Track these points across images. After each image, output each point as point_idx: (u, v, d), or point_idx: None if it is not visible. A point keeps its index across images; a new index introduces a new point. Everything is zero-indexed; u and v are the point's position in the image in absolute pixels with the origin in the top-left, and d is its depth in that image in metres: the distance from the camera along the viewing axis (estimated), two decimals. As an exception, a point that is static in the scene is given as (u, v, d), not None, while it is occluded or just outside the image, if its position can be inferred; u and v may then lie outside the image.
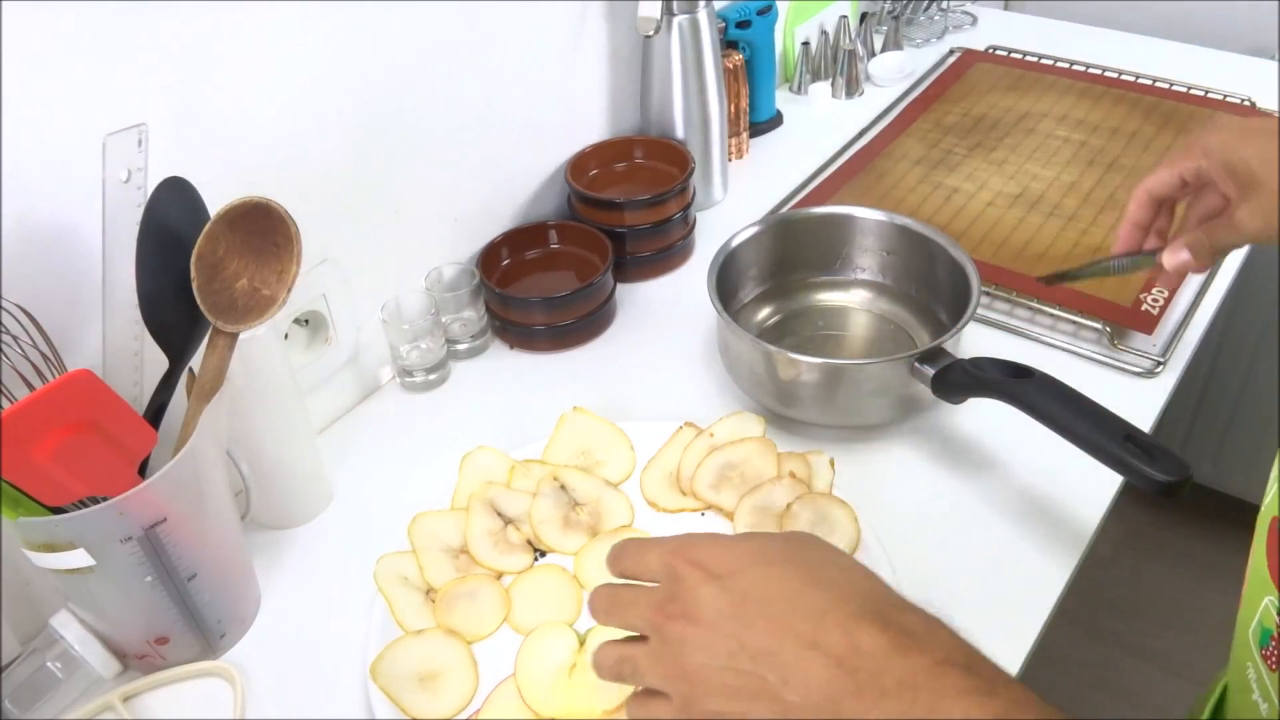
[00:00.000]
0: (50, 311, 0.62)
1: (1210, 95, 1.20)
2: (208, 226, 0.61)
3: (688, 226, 1.03)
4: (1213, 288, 0.94)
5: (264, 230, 0.62)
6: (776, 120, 1.24)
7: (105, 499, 0.58)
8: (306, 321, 0.84)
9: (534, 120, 0.98)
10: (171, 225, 0.61)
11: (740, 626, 0.42)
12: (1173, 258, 0.73)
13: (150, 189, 0.61)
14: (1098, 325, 0.89)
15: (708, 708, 0.43)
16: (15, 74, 0.58)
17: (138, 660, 0.67)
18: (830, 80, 1.29)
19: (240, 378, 0.67)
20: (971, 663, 0.40)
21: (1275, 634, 0.43)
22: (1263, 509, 0.46)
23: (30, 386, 0.60)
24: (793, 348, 0.84)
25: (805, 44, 1.29)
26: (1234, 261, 0.97)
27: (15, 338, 0.59)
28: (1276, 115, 0.76)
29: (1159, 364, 0.86)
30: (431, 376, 0.90)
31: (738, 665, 0.42)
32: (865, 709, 0.39)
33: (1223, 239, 0.71)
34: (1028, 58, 1.32)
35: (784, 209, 1.08)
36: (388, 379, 0.92)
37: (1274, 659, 0.44)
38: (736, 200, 1.12)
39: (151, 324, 0.62)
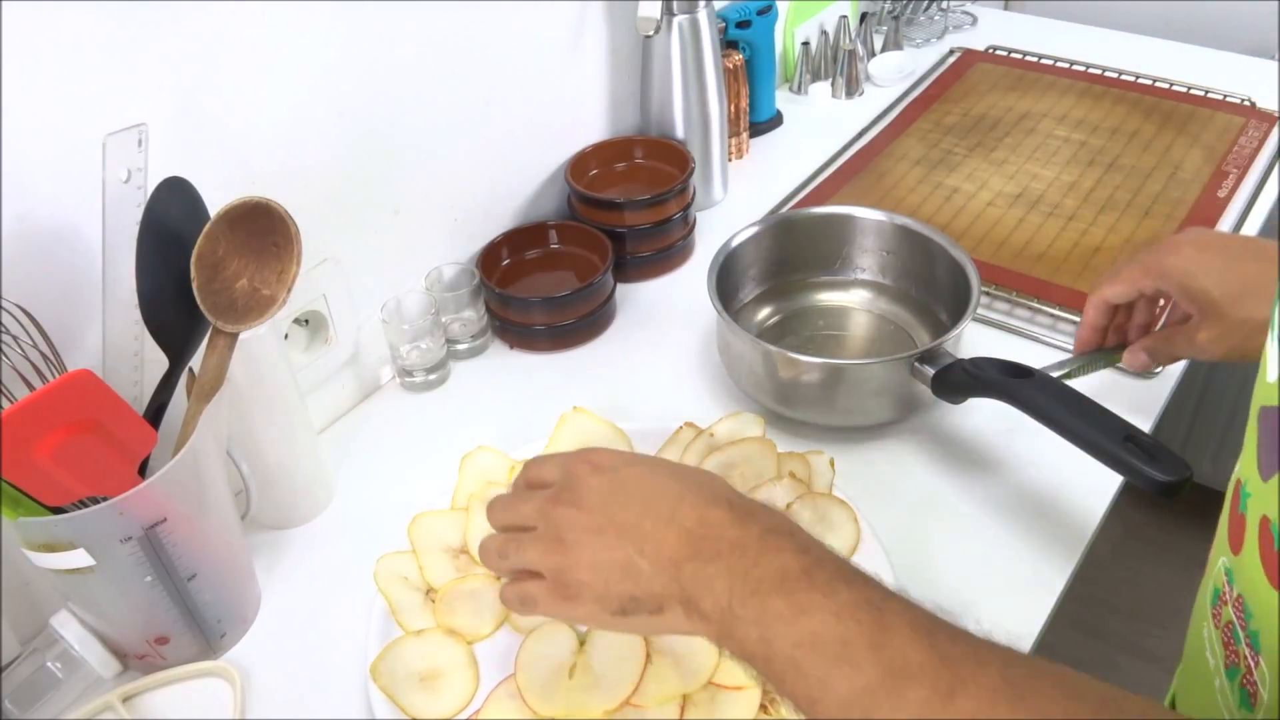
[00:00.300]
0: (50, 311, 0.62)
1: (1210, 95, 1.21)
2: (208, 226, 0.61)
3: (688, 226, 1.03)
4: (1213, 288, 0.94)
5: (264, 230, 0.62)
6: (776, 120, 1.24)
7: (105, 499, 0.58)
8: (306, 321, 0.84)
9: (534, 120, 0.98)
10: (171, 225, 0.61)
11: (615, 507, 0.51)
12: (1133, 359, 0.77)
13: (150, 189, 0.61)
14: (1098, 325, 0.89)
15: (576, 578, 0.51)
16: (15, 74, 0.58)
17: (138, 660, 0.67)
18: (830, 80, 1.29)
19: (240, 378, 0.67)
20: (794, 531, 0.49)
21: (1222, 592, 0.45)
22: (1234, 474, 0.47)
23: (30, 386, 0.60)
24: (793, 348, 0.84)
25: (805, 44, 1.29)
26: (1234, 261, 0.97)
27: (15, 338, 0.59)
28: (1235, 232, 0.76)
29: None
30: (431, 376, 0.90)
31: (606, 539, 0.51)
32: (702, 566, 0.48)
33: (1182, 352, 0.74)
34: (1028, 58, 1.32)
35: (784, 209, 1.08)
36: (388, 379, 0.92)
37: (1218, 616, 0.45)
38: (736, 200, 1.12)
39: (151, 324, 0.62)
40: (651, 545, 0.50)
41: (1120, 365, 0.79)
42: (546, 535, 0.53)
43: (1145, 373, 0.82)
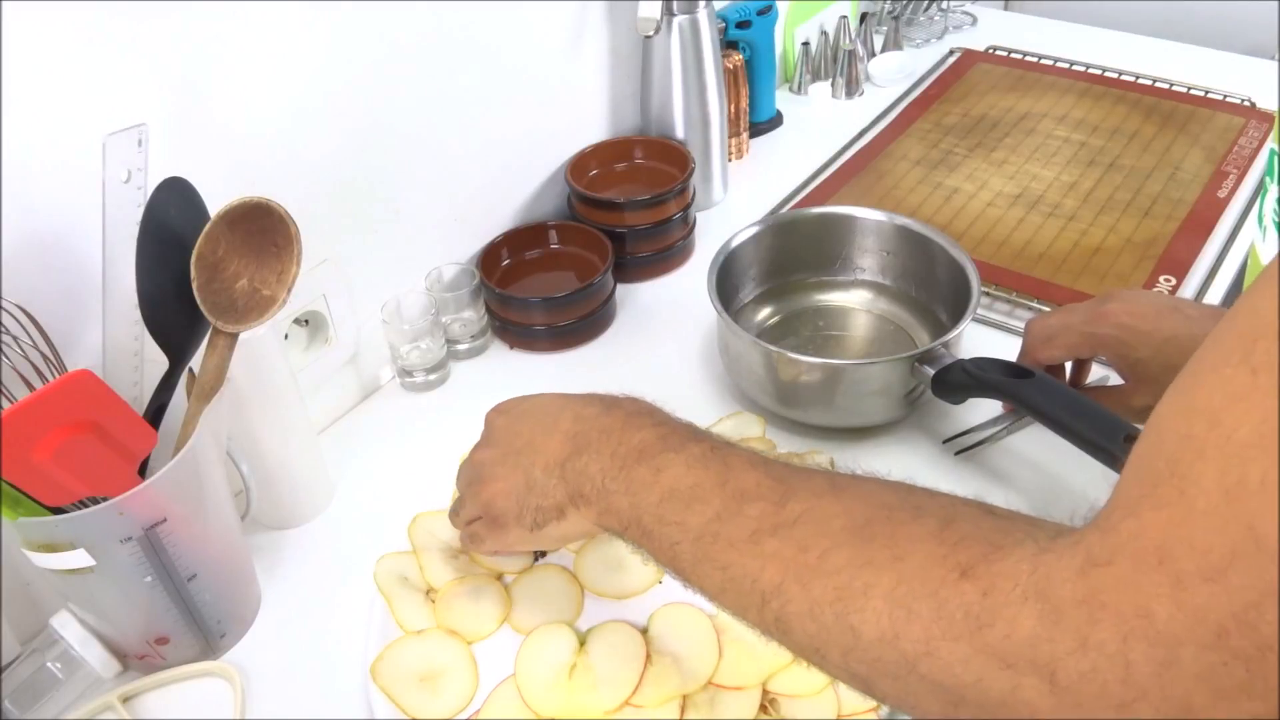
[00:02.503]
0: (50, 311, 0.62)
1: (1210, 95, 1.20)
2: (208, 226, 0.61)
3: (688, 227, 1.03)
4: (1212, 288, 0.94)
5: (264, 230, 0.62)
6: (776, 120, 1.24)
7: (105, 499, 0.58)
8: (306, 321, 0.84)
9: (534, 120, 0.98)
10: (171, 225, 0.61)
11: (512, 436, 0.62)
12: None
13: (150, 189, 0.61)
14: (1098, 325, 0.89)
15: (498, 507, 0.61)
16: (15, 74, 0.58)
17: (138, 660, 0.67)
18: (830, 80, 1.29)
19: (240, 378, 0.67)
20: (653, 411, 0.58)
21: None
22: None
23: (30, 386, 0.60)
24: (793, 348, 0.84)
25: (805, 44, 1.29)
26: (1234, 261, 0.97)
27: (15, 338, 0.59)
28: (1156, 291, 0.78)
29: None
30: (431, 376, 0.90)
31: (508, 465, 0.60)
32: (580, 459, 0.56)
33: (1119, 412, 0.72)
34: (1028, 58, 1.32)
35: (784, 209, 1.08)
36: (388, 379, 0.92)
37: None
38: (736, 200, 1.12)
39: (151, 324, 0.62)
40: (541, 457, 0.59)
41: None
42: (474, 480, 0.63)
43: None
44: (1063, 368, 0.78)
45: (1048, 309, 0.91)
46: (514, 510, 0.60)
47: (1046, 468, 0.78)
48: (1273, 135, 1.11)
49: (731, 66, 1.11)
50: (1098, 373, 0.80)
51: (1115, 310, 0.71)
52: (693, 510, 0.49)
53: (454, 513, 0.68)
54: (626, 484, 0.53)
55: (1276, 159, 0.47)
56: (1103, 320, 0.71)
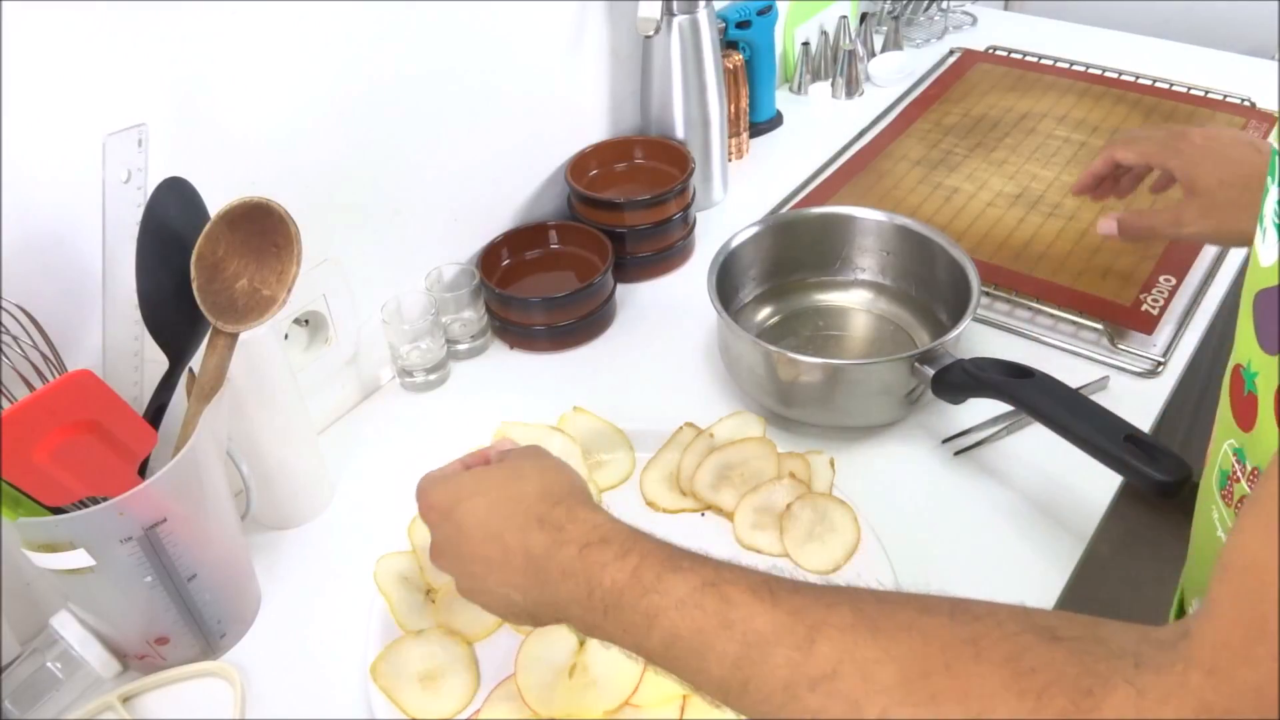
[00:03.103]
0: (50, 311, 0.62)
1: (1210, 95, 1.20)
2: (208, 226, 0.61)
3: (688, 227, 1.03)
4: (1212, 288, 0.94)
5: (264, 230, 0.62)
6: (776, 120, 1.24)
7: (105, 499, 0.58)
8: (306, 321, 0.84)
9: (534, 120, 0.98)
10: (171, 225, 0.61)
11: (464, 554, 0.55)
12: (1104, 224, 0.85)
13: (150, 189, 0.61)
14: (1098, 325, 0.89)
15: (482, 602, 0.56)
16: (15, 74, 0.58)
17: (138, 660, 0.67)
18: (830, 80, 1.29)
19: (240, 378, 0.67)
20: (607, 535, 0.50)
21: (1231, 473, 0.47)
22: (1229, 365, 0.50)
23: (30, 386, 0.60)
24: (793, 348, 0.84)
25: (805, 44, 1.29)
26: (1234, 262, 0.97)
27: (15, 338, 0.59)
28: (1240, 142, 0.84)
29: (1159, 364, 0.86)
30: (431, 376, 0.90)
31: (476, 582, 0.55)
32: (550, 596, 0.51)
33: (1161, 226, 0.81)
34: (1028, 58, 1.32)
35: (784, 209, 1.08)
36: (388, 379, 0.92)
37: (1229, 496, 0.48)
38: (736, 200, 1.12)
39: (151, 324, 0.62)
40: (508, 581, 0.53)
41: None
42: (451, 571, 0.57)
43: (1134, 240, 0.87)
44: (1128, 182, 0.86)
45: (1048, 309, 0.91)
46: (501, 613, 0.56)
47: (1046, 468, 0.78)
48: (1273, 135, 1.12)
49: (731, 66, 1.11)
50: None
51: (1197, 132, 0.80)
52: (707, 660, 0.44)
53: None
54: (618, 629, 0.48)
55: (1277, 158, 0.48)
56: (1184, 137, 0.79)
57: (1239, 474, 0.46)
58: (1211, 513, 0.50)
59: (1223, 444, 0.48)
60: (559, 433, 0.79)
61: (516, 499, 0.54)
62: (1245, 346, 0.45)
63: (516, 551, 0.52)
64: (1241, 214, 0.74)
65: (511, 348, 0.94)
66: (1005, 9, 1.58)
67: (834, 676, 0.39)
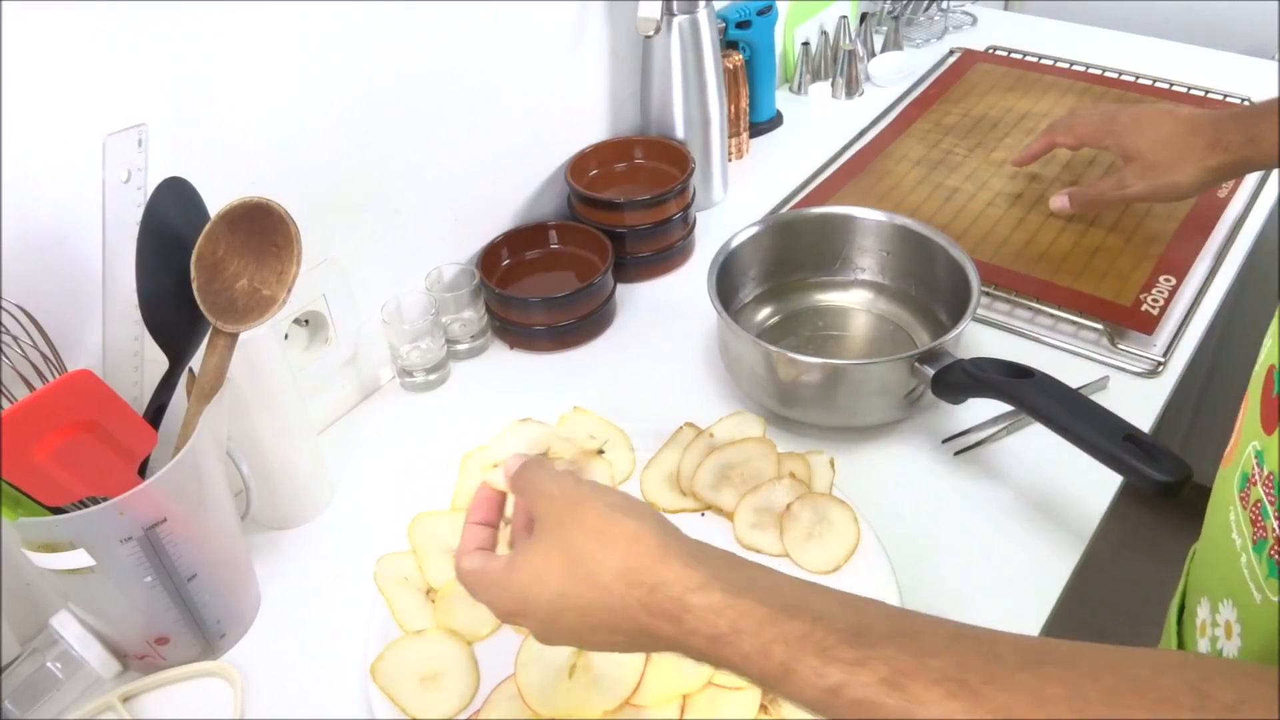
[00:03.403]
0: (50, 311, 0.62)
1: (1210, 95, 1.20)
2: (208, 226, 0.61)
3: (688, 227, 1.03)
4: (1213, 288, 0.94)
5: (264, 230, 0.62)
6: (776, 120, 1.24)
7: (105, 499, 0.58)
8: (306, 321, 0.84)
9: (534, 120, 0.98)
10: (171, 225, 0.61)
11: (573, 641, 0.49)
12: (1056, 201, 1.01)
13: (150, 189, 0.61)
14: (1098, 325, 0.89)
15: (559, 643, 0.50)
16: (15, 74, 0.58)
17: (138, 660, 0.67)
18: (830, 80, 1.29)
19: (240, 378, 0.67)
20: (738, 626, 0.43)
21: (1251, 475, 0.47)
22: (1258, 364, 0.50)
23: (30, 386, 0.60)
24: (793, 348, 0.84)
25: (805, 44, 1.29)
26: (1234, 262, 0.97)
27: (15, 338, 0.59)
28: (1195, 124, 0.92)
29: (1159, 364, 0.86)
30: (431, 376, 0.90)
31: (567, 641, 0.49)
32: (690, 654, 0.45)
33: (1105, 193, 0.96)
34: (1028, 58, 1.32)
35: (784, 209, 1.08)
36: (388, 379, 0.92)
37: (1246, 498, 0.48)
38: (736, 200, 1.12)
39: (151, 324, 0.62)
40: (632, 649, 0.48)
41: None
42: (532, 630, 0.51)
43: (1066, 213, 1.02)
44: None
45: (1048, 309, 0.91)
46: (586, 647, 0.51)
47: (1046, 468, 0.78)
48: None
49: (731, 66, 1.11)
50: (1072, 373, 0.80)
51: (1125, 111, 0.93)
52: None
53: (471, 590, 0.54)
54: (774, 693, 0.43)
55: None
56: (1115, 117, 0.94)
57: (1256, 477, 0.47)
58: (1228, 513, 0.50)
59: (1248, 444, 0.49)
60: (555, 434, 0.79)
61: (602, 588, 0.47)
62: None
63: (637, 634, 0.47)
64: (1173, 168, 0.88)
65: (511, 348, 0.94)
66: (1005, 9, 1.58)
67: None
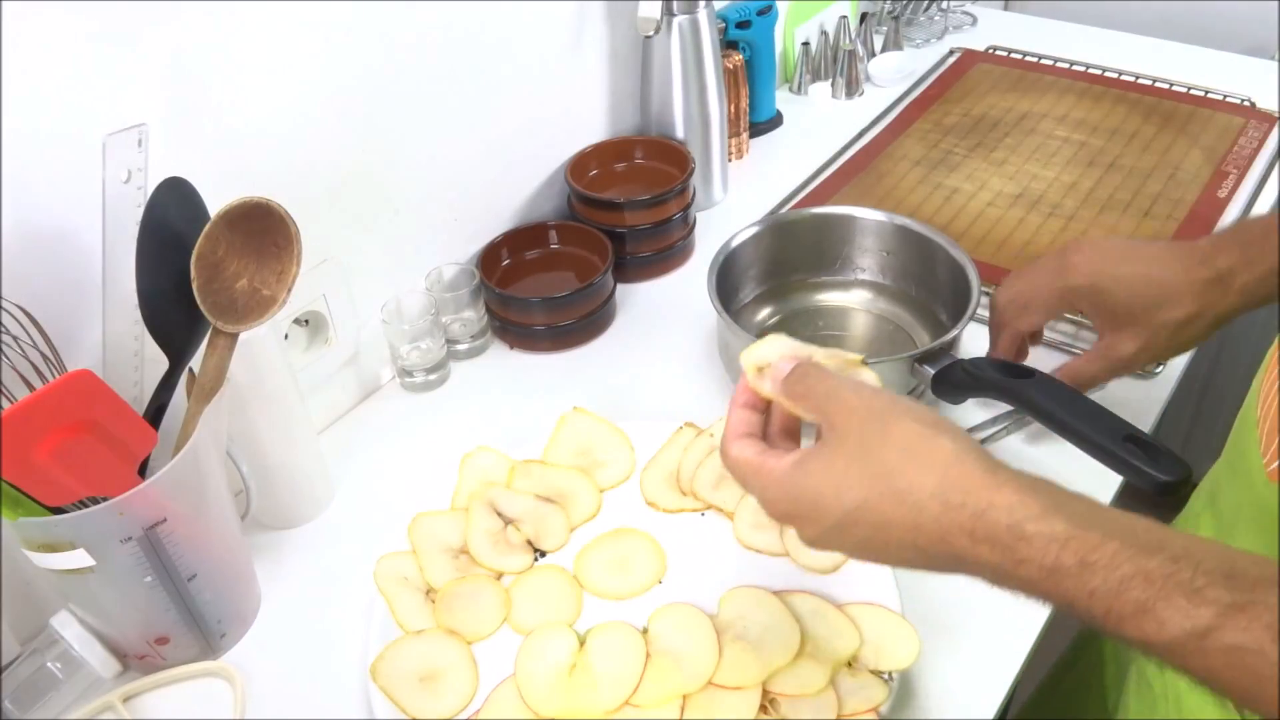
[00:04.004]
0: (50, 311, 0.62)
1: (1210, 95, 1.20)
2: (208, 226, 0.61)
3: (688, 227, 1.03)
4: (1213, 288, 0.94)
5: (264, 230, 0.62)
6: (776, 120, 1.24)
7: (105, 499, 0.58)
8: (306, 321, 0.84)
9: (534, 120, 0.98)
10: (171, 225, 0.61)
11: (862, 555, 0.49)
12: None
13: (150, 189, 0.61)
14: (1098, 325, 0.89)
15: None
16: (15, 74, 0.58)
17: (138, 660, 0.67)
18: (830, 80, 1.29)
19: (240, 378, 0.67)
20: (1084, 557, 0.42)
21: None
22: None
23: (30, 386, 0.60)
24: (793, 348, 0.84)
25: (805, 44, 1.29)
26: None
27: (15, 338, 0.59)
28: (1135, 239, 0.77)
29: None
30: (431, 376, 0.90)
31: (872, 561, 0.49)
32: (996, 581, 0.44)
33: (1106, 373, 0.73)
34: (1028, 58, 1.32)
35: (784, 209, 1.08)
36: (388, 379, 0.92)
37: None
38: (736, 200, 1.12)
39: (151, 324, 0.62)
40: (926, 566, 0.47)
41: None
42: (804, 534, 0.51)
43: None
44: (1040, 333, 0.79)
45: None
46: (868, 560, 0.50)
47: (1046, 468, 0.77)
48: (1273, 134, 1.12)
49: (731, 66, 1.11)
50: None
51: (1081, 261, 0.70)
52: (1258, 705, 0.39)
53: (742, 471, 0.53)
54: (1091, 622, 0.42)
55: None
56: (1073, 272, 0.70)
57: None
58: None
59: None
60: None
61: (913, 507, 0.45)
62: None
63: (941, 558, 0.46)
64: (1165, 307, 0.67)
65: (511, 348, 0.94)
66: (1005, 9, 1.58)
67: None
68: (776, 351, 0.54)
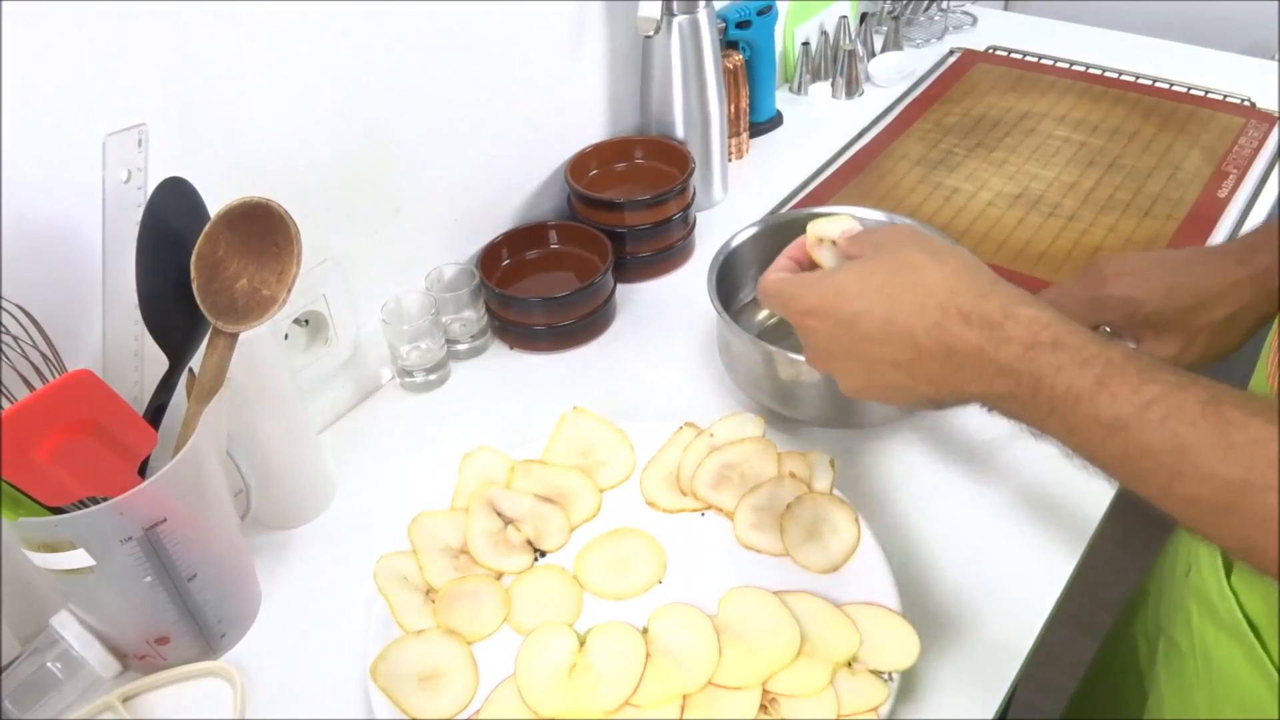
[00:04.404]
0: (50, 311, 0.62)
1: (1210, 95, 1.20)
2: (208, 226, 0.61)
3: (688, 227, 1.03)
4: (1213, 288, 0.94)
5: (264, 230, 0.62)
6: (776, 120, 1.24)
7: (105, 499, 0.58)
8: (306, 322, 0.84)
9: (534, 120, 0.98)
10: (171, 225, 0.61)
11: (857, 363, 0.54)
12: None
13: (150, 189, 0.61)
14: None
15: (871, 395, 0.55)
16: (15, 74, 0.58)
17: (138, 660, 0.67)
18: (830, 80, 1.29)
19: (240, 378, 0.67)
20: (1060, 339, 0.47)
21: None
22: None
23: (30, 386, 0.60)
24: (793, 348, 0.83)
25: (805, 44, 1.29)
26: (1234, 261, 0.97)
27: (15, 338, 0.59)
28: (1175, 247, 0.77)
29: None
30: (431, 376, 0.90)
31: (868, 384, 0.55)
32: (978, 387, 0.50)
33: None
34: (1028, 58, 1.32)
35: (784, 209, 1.08)
36: (388, 379, 0.92)
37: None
38: (736, 200, 1.12)
39: (151, 324, 0.62)
40: (917, 377, 0.52)
41: None
42: (807, 347, 0.58)
43: None
44: None
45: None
46: (890, 401, 0.55)
47: (1046, 468, 0.78)
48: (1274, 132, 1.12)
49: (731, 66, 1.11)
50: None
51: (1113, 272, 0.70)
52: (1185, 479, 0.43)
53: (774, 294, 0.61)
54: (1065, 429, 0.47)
55: None
56: (1103, 285, 0.70)
57: None
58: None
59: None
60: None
61: (922, 292, 0.51)
62: None
63: (933, 351, 0.50)
64: (1203, 310, 0.67)
65: (511, 348, 0.94)
66: (1005, 9, 1.58)
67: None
68: (839, 227, 0.61)
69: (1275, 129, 1.14)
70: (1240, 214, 1.03)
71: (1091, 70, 1.27)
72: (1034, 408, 0.48)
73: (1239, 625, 0.59)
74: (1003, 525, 0.74)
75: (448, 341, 0.91)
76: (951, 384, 0.51)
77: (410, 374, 0.89)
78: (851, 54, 1.27)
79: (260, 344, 0.69)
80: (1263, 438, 0.42)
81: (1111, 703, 0.86)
